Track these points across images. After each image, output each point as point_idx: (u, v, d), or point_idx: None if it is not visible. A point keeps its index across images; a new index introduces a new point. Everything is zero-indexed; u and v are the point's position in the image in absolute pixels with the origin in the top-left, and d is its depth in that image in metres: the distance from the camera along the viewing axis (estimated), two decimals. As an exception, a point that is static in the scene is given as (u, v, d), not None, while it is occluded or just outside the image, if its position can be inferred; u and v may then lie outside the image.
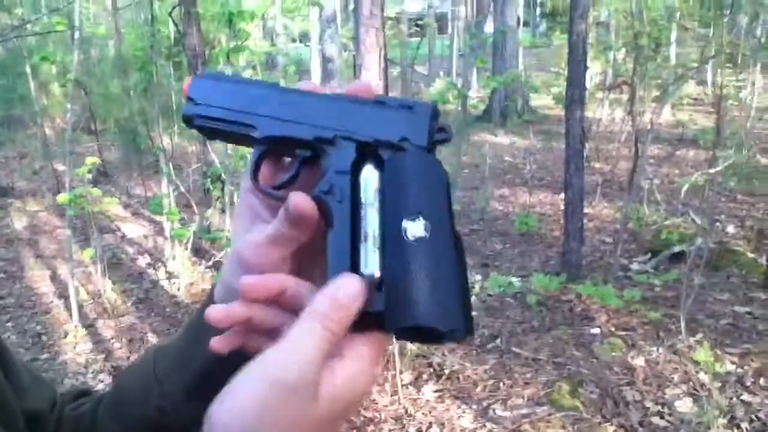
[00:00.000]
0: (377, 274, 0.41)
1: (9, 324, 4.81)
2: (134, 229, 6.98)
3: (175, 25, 6.72)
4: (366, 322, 0.40)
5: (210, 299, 0.55)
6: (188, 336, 0.58)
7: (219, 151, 4.65)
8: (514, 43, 12.62)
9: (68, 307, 4.80)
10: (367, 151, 0.46)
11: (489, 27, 13.86)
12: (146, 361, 0.62)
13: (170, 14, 6.05)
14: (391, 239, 0.41)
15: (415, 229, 0.41)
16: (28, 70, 11.39)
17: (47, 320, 4.86)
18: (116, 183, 9.08)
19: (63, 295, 5.13)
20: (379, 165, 0.45)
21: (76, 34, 5.25)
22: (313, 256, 0.48)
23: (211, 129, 0.51)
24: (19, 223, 6.73)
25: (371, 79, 3.65)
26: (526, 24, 26.12)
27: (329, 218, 0.44)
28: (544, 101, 12.78)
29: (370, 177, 0.45)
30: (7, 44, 8.91)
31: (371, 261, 0.42)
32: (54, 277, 5.70)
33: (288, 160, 0.52)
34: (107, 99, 11.36)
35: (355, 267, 0.42)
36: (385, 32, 5.02)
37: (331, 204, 0.44)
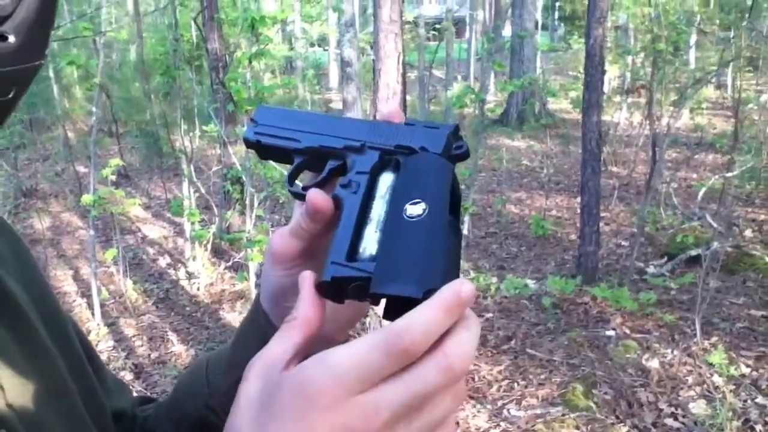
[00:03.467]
0: (373, 252, 0.45)
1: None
2: (155, 231, 7.09)
3: (199, 30, 6.84)
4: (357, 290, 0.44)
5: (257, 304, 0.60)
6: (238, 342, 0.62)
7: (239, 154, 4.73)
8: (532, 47, 12.63)
9: (91, 306, 4.90)
10: (388, 159, 0.52)
11: (507, 31, 13.89)
12: (199, 366, 0.66)
13: (195, 20, 6.15)
14: (391, 219, 0.45)
15: (413, 209, 0.44)
16: (51, 74, 11.59)
17: (70, 318, 4.95)
18: (137, 185, 9.21)
19: (85, 295, 5.24)
20: (397, 169, 0.50)
21: (102, 39, 5.36)
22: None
23: (265, 145, 0.59)
24: (42, 224, 6.86)
25: (389, 83, 3.70)
26: (544, 28, 26.07)
27: (342, 208, 0.49)
28: (562, 105, 12.78)
29: (386, 177, 0.51)
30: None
31: (370, 241, 0.45)
32: (76, 277, 5.81)
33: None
34: (129, 102, 11.54)
35: (353, 248, 0.45)
36: (403, 37, 5.08)
37: (345, 196, 0.49)
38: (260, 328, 0.58)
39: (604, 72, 4.91)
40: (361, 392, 0.38)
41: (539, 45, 13.12)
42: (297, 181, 0.57)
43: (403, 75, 4.39)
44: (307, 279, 0.46)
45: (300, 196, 0.54)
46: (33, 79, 0.50)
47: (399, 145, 0.52)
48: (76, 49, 11.35)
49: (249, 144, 0.60)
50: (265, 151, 0.60)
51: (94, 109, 4.93)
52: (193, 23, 6.66)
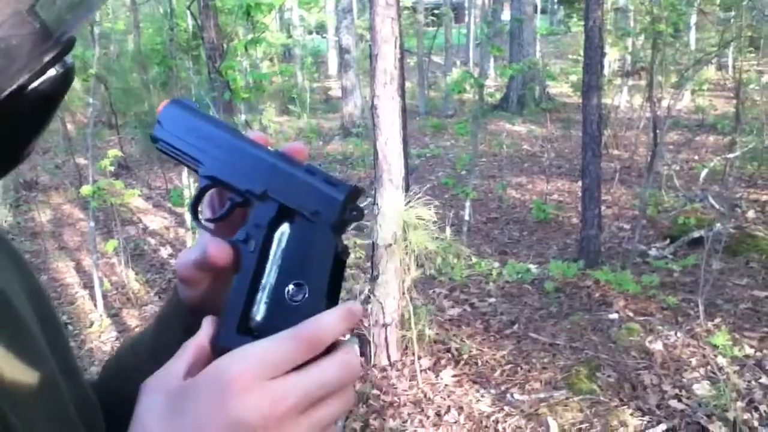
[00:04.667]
0: (260, 319, 0.50)
1: (36, 314, 4.92)
2: (155, 221, 7.08)
3: (194, 18, 6.80)
4: None
5: (175, 293, 0.63)
6: (161, 326, 0.65)
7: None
8: (531, 30, 12.55)
9: (93, 297, 4.90)
10: (285, 213, 0.53)
11: (507, 15, 13.80)
12: (125, 353, 0.69)
13: (188, 8, 6.11)
14: (276, 296, 0.50)
15: (296, 293, 0.50)
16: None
17: (73, 310, 4.96)
18: (137, 176, 9.20)
19: (88, 286, 5.24)
20: (292, 222, 0.53)
21: (96, 30, 5.32)
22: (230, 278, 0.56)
23: (168, 154, 0.59)
24: (43, 216, 6.86)
25: (386, 69, 3.66)
26: (543, 11, 25.92)
27: (239, 263, 0.53)
28: (563, 89, 12.72)
29: (281, 237, 0.53)
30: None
31: (261, 310, 0.51)
32: (78, 269, 5.81)
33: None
34: (127, 93, 11.48)
35: (247, 309, 0.51)
36: (400, 22, 5.04)
37: (243, 252, 0.53)
38: (182, 315, 0.62)
39: (603, 54, 4.88)
40: (273, 378, 0.44)
41: (538, 29, 13.03)
42: (200, 206, 0.59)
43: (401, 60, 4.36)
44: (206, 326, 0.52)
45: (206, 229, 0.57)
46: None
47: (296, 207, 0.53)
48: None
49: (154, 143, 0.59)
50: (170, 157, 0.59)
51: (91, 100, 4.90)
52: (188, 12, 6.60)
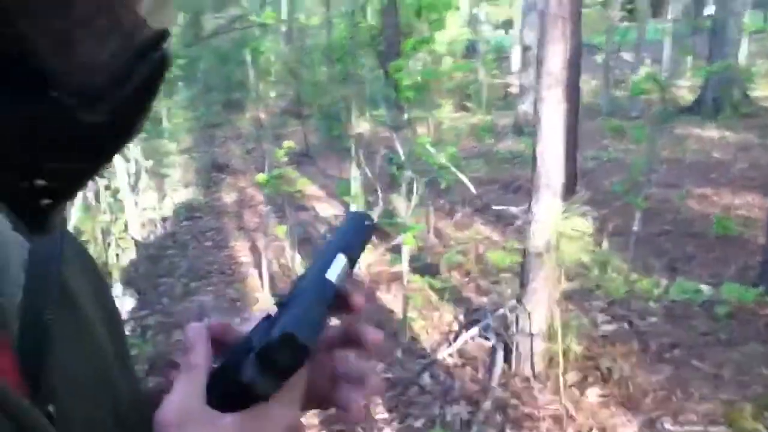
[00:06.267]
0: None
1: (210, 288, 5.39)
2: (327, 209, 7.43)
3: (378, 15, 7.02)
4: None
5: None
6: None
7: (404, 138, 4.80)
8: (737, 27, 11.45)
9: (261, 277, 5.26)
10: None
11: (712, 9, 12.71)
12: None
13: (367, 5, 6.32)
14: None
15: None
16: (248, 58, 12.48)
17: (242, 287, 5.36)
18: (317, 165, 9.70)
19: (259, 265, 5.63)
20: None
21: (283, 27, 5.67)
22: None
23: None
24: (228, 198, 7.47)
25: (552, 71, 3.52)
26: (760, 6, 23.50)
27: None
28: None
29: None
30: (231, 35, 9.81)
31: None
32: (253, 249, 6.26)
33: None
34: (315, 86, 12.14)
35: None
36: (577, 21, 4.81)
37: None
38: None
39: None
40: None
41: (746, 25, 11.83)
42: None
43: (573, 60, 4.19)
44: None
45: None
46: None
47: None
48: (273, 36, 12.14)
49: None
50: None
51: (272, 94, 5.23)
52: (371, 9, 6.82)
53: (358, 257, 0.62)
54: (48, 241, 0.51)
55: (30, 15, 0.35)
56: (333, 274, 0.57)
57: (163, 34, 0.42)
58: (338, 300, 0.57)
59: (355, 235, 0.64)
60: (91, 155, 0.42)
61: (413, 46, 4.21)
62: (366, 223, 0.65)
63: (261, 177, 4.76)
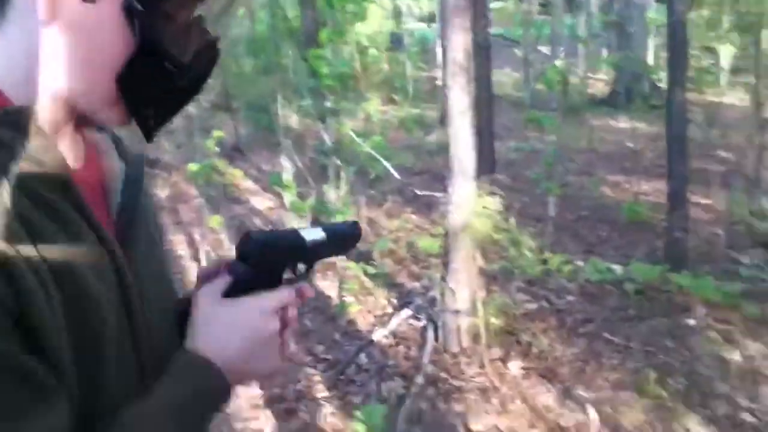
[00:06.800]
0: None
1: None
2: (262, 202, 7.52)
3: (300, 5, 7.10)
4: None
5: None
6: None
7: (330, 129, 4.96)
8: (643, 22, 12.11)
9: (198, 269, 5.31)
10: None
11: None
12: None
13: None
14: None
15: None
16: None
17: (183, 280, 5.42)
18: (250, 160, 9.72)
19: (197, 259, 5.69)
20: None
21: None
22: None
23: None
24: (162, 193, 7.43)
25: (456, 59, 3.70)
26: (661, 0, 24.67)
27: None
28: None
29: None
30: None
31: None
32: (190, 242, 6.30)
33: None
34: (240, 78, 12.09)
35: None
36: (481, 11, 5.09)
37: None
38: None
39: (686, 49, 4.76)
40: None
41: (650, 20, 12.49)
42: None
43: (478, 52, 4.41)
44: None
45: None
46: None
47: None
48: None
49: None
50: None
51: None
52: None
53: (330, 256, 0.89)
54: (136, 166, 0.84)
55: (167, 32, 0.70)
56: (308, 234, 0.83)
57: (217, 39, 0.78)
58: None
59: (340, 232, 0.89)
60: (177, 102, 0.78)
61: (329, 36, 4.37)
62: (355, 231, 0.90)
63: (192, 166, 4.84)
